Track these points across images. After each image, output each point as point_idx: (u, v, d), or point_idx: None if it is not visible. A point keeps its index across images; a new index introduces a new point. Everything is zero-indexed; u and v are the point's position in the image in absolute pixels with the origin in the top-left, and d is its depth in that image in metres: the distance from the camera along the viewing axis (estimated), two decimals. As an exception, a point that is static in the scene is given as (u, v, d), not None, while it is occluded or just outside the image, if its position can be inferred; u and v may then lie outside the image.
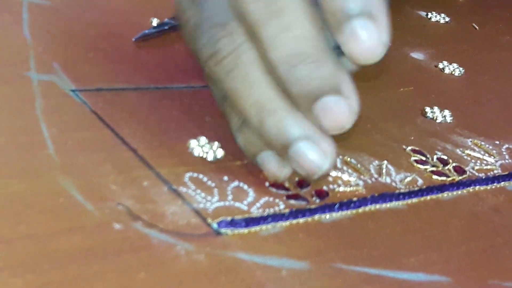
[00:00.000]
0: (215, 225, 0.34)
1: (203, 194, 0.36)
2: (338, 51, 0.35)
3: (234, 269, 0.32)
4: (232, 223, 0.34)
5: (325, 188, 0.39)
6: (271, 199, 0.37)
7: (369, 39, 0.34)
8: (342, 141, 0.44)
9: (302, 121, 0.35)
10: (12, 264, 0.28)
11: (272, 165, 0.37)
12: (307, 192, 0.38)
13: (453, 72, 0.58)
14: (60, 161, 0.35)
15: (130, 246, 0.31)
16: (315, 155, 0.35)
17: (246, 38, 0.36)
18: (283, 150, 0.36)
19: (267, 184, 0.38)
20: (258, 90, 0.36)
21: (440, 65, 0.59)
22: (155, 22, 0.52)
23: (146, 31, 0.50)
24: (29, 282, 0.28)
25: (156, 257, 0.31)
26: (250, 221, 0.35)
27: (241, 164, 0.39)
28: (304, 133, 0.35)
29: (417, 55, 0.60)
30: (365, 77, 0.53)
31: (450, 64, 0.59)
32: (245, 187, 0.37)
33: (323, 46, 0.35)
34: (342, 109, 0.34)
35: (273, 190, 0.38)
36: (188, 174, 0.37)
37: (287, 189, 0.38)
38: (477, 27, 0.70)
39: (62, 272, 0.29)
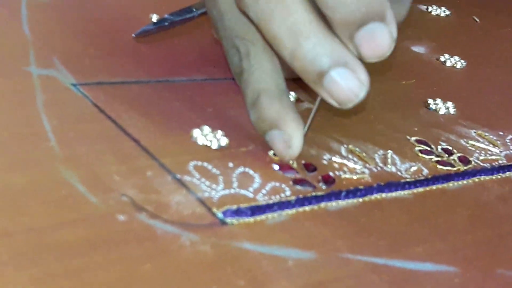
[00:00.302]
0: (220, 215, 0.33)
1: (208, 183, 0.35)
2: None
3: (240, 259, 0.31)
4: (238, 212, 0.34)
5: (331, 174, 0.38)
6: (277, 184, 0.37)
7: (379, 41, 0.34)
8: (346, 131, 0.43)
9: (340, 46, 0.35)
10: (15, 257, 0.28)
11: (280, 144, 0.37)
12: (313, 177, 0.38)
13: (455, 65, 0.58)
14: (62, 153, 0.35)
15: (134, 237, 0.31)
16: (353, 81, 0.35)
17: None
18: (317, 79, 0.35)
19: (274, 167, 0.38)
20: (294, 11, 0.35)
21: (442, 58, 0.58)
22: (154, 18, 0.51)
23: (146, 27, 0.50)
24: (33, 275, 0.27)
25: (161, 248, 0.31)
26: (256, 210, 0.34)
27: (246, 151, 0.39)
28: (342, 59, 0.35)
29: (418, 49, 0.60)
30: (368, 70, 0.53)
31: (452, 57, 0.59)
32: (251, 172, 0.37)
33: None
34: (385, 37, 0.34)
35: (280, 173, 0.37)
36: (192, 163, 0.36)
37: (294, 170, 0.38)
38: (477, 20, 0.69)
39: (66, 265, 0.28)
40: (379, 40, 0.34)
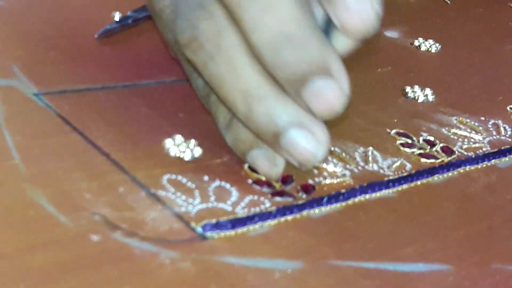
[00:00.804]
0: (199, 229, 0.32)
1: (183, 197, 0.34)
2: (328, 27, 0.33)
3: (224, 275, 0.30)
4: (218, 226, 0.32)
5: (310, 182, 0.37)
6: (255, 197, 0.35)
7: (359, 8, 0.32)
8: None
9: (293, 107, 0.33)
10: (-17, 287, 0.26)
11: (263, 163, 0.35)
12: (292, 188, 0.36)
13: (429, 49, 0.56)
14: (27, 171, 0.33)
15: (110, 258, 0.29)
16: (308, 143, 0.33)
17: (228, 21, 0.33)
18: (274, 140, 0.34)
19: (250, 181, 0.36)
20: (244, 75, 0.33)
21: (416, 42, 0.57)
22: (117, 16, 0.49)
23: (108, 27, 0.48)
24: (4, 304, 0.26)
25: (139, 268, 0.29)
26: (236, 222, 0.33)
27: (221, 162, 0.37)
28: (296, 120, 0.33)
29: (391, 33, 0.59)
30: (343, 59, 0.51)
31: (426, 40, 0.57)
32: (228, 186, 0.35)
33: (310, 25, 0.33)
34: (332, 92, 0.32)
35: (257, 188, 0.36)
36: (166, 176, 0.35)
37: (271, 185, 0.36)
38: (448, 1, 0.68)
39: (39, 292, 0.27)
40: (327, 96, 0.32)
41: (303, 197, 0.36)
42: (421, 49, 0.56)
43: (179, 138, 0.37)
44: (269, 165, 0.35)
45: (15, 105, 0.38)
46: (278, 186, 0.36)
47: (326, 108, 0.32)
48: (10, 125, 0.36)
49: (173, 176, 0.35)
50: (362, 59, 0.53)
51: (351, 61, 0.51)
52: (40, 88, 0.40)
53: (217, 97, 0.36)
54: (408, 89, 0.48)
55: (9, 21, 0.48)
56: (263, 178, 0.36)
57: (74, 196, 0.32)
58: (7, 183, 0.32)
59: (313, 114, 0.33)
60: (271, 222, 0.33)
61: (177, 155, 0.36)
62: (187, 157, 0.36)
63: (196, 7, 0.34)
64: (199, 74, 0.36)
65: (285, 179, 0.37)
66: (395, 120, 0.44)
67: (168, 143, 0.37)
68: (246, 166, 0.37)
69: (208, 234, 0.32)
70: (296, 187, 0.36)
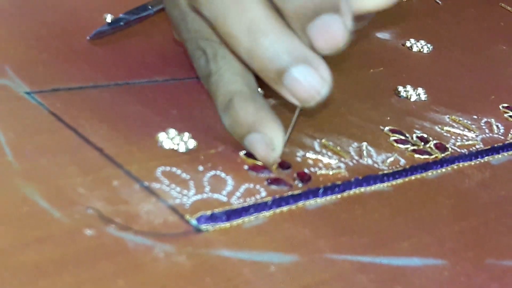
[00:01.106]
0: (194, 222, 0.31)
1: (178, 189, 0.33)
2: None
3: (219, 268, 0.29)
4: (212, 218, 0.32)
5: (306, 171, 0.37)
6: (251, 185, 0.35)
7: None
8: (318, 125, 0.42)
9: (299, 43, 0.33)
10: (-22, 282, 0.26)
11: (261, 147, 0.35)
12: (288, 175, 0.36)
13: (421, 50, 0.56)
14: (21, 167, 0.33)
15: (104, 252, 0.29)
16: (313, 78, 0.33)
17: None
18: (277, 77, 0.33)
19: (246, 167, 0.36)
20: (251, 8, 0.33)
21: (408, 43, 0.57)
22: (109, 18, 0.49)
23: (100, 29, 0.48)
24: (-2, 299, 0.25)
25: (133, 262, 0.29)
26: (231, 214, 0.32)
27: (215, 152, 0.37)
28: (302, 56, 0.33)
29: (383, 35, 0.58)
30: (333, 59, 0.51)
31: (418, 41, 0.57)
32: (223, 175, 0.35)
33: None
34: (338, 28, 0.32)
35: (253, 174, 0.36)
36: (160, 169, 0.35)
37: (267, 170, 0.36)
38: (439, 2, 0.68)
39: (33, 287, 0.26)
40: (333, 31, 0.32)
41: (299, 185, 0.35)
42: (413, 50, 0.56)
43: (172, 131, 0.37)
44: (267, 149, 0.35)
45: (7, 103, 0.38)
46: (275, 169, 0.36)
47: (331, 43, 0.33)
48: (2, 122, 0.36)
49: (167, 168, 0.35)
50: (354, 60, 0.53)
51: (342, 62, 0.52)
52: (32, 87, 0.40)
53: (220, 35, 0.35)
54: (400, 88, 0.48)
55: (1, 22, 0.48)
56: (260, 163, 0.36)
57: (68, 191, 0.32)
58: (1, 180, 0.32)
59: (316, 51, 0.33)
60: (267, 214, 0.33)
61: (171, 147, 0.36)
62: (181, 149, 0.36)
63: None
64: (203, 13, 0.36)
65: (283, 164, 0.36)
66: (388, 118, 0.44)
67: (162, 136, 0.37)
68: (242, 153, 0.37)
69: (203, 226, 0.31)
70: (293, 174, 0.36)
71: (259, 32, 0.33)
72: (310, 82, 0.33)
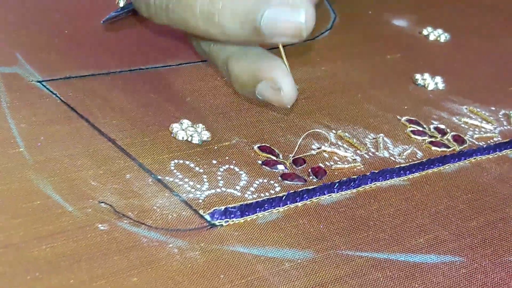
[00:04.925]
0: (208, 217, 0.31)
1: (191, 183, 0.33)
2: None
3: (233, 264, 0.29)
4: (226, 213, 0.31)
5: (321, 165, 0.36)
6: (265, 180, 0.34)
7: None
8: (334, 114, 0.41)
9: None
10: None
11: (271, 92, 0.34)
12: (302, 170, 0.36)
13: (438, 38, 0.56)
14: (33, 159, 0.32)
15: (117, 248, 0.28)
16: (287, 14, 0.32)
17: None
18: (258, 35, 0.33)
19: (259, 162, 0.35)
20: (194, 1, 0.33)
21: (425, 32, 0.56)
22: (122, 2, 0.48)
23: (113, 13, 0.47)
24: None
25: (147, 258, 0.28)
26: (245, 209, 0.32)
27: (229, 145, 0.36)
28: (264, 3, 0.32)
29: (400, 22, 0.58)
30: (351, 43, 0.51)
31: (435, 29, 0.56)
32: (236, 169, 0.35)
33: None
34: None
35: (267, 168, 0.35)
36: (173, 162, 0.34)
37: (282, 164, 0.35)
38: None
39: (46, 282, 0.26)
40: None
41: (313, 180, 0.35)
42: (430, 38, 0.56)
43: (186, 122, 0.37)
44: (276, 92, 0.34)
45: (19, 93, 0.37)
46: (288, 164, 0.35)
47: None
48: (15, 113, 0.35)
49: (181, 161, 0.34)
50: (371, 45, 0.52)
51: (359, 46, 0.51)
52: (44, 75, 0.39)
53: (194, 33, 0.35)
54: (418, 76, 0.48)
55: (12, 8, 0.47)
56: (273, 157, 0.36)
57: (80, 184, 0.31)
58: (13, 172, 0.31)
59: None
60: (281, 209, 0.33)
61: (185, 138, 0.36)
62: (195, 140, 0.36)
63: None
64: (176, 26, 0.36)
65: (296, 161, 0.36)
66: (406, 107, 0.44)
67: (175, 127, 0.36)
68: (256, 147, 0.36)
69: (217, 221, 0.31)
70: (307, 169, 0.36)
71: (214, 15, 0.33)
72: (286, 16, 0.32)
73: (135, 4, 0.36)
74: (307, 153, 0.37)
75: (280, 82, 0.34)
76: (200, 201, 0.32)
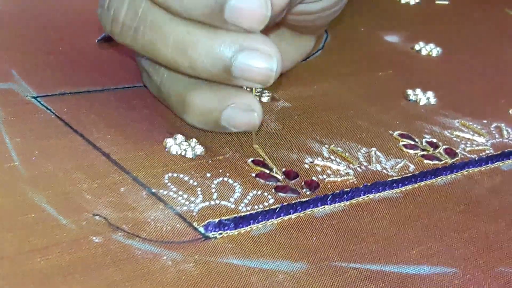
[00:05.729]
0: (202, 229, 0.31)
1: (185, 195, 0.33)
2: None
3: (227, 276, 0.29)
4: (220, 225, 0.31)
5: (314, 178, 0.36)
6: (259, 192, 0.35)
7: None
8: (326, 129, 0.42)
9: (228, 35, 0.33)
10: (-16, 290, 0.26)
11: (241, 116, 0.35)
12: (296, 183, 0.36)
13: (430, 53, 0.56)
14: (28, 173, 0.32)
15: (112, 260, 0.29)
16: (259, 60, 0.33)
17: None
18: (226, 75, 0.33)
19: (253, 175, 0.36)
20: (170, 30, 0.33)
21: (417, 47, 0.57)
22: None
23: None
24: (5, 308, 0.25)
25: (141, 270, 0.28)
26: (239, 221, 0.32)
27: (223, 159, 0.37)
28: (236, 46, 0.33)
29: (392, 38, 0.58)
30: (343, 62, 0.51)
31: (427, 44, 0.57)
32: (230, 181, 0.35)
33: None
34: (252, 2, 0.32)
35: (261, 181, 0.35)
36: (167, 175, 0.34)
37: (274, 178, 0.36)
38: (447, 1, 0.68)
39: (40, 296, 0.26)
40: (247, 5, 0.32)
41: (307, 193, 0.35)
42: (422, 53, 0.56)
43: (180, 137, 0.37)
44: (248, 114, 0.35)
45: (14, 108, 0.38)
46: (281, 178, 0.36)
47: (252, 18, 0.32)
48: (9, 127, 0.36)
49: (175, 175, 0.35)
50: (363, 62, 0.52)
51: (351, 64, 0.51)
52: (39, 91, 0.40)
53: (159, 60, 0.35)
54: (409, 92, 0.48)
55: (7, 25, 0.48)
56: (266, 171, 0.36)
57: (75, 198, 0.31)
58: (7, 186, 0.31)
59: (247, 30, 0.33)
60: (275, 221, 0.33)
61: (179, 153, 0.36)
62: (188, 155, 0.36)
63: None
64: (137, 54, 0.37)
65: (289, 174, 0.36)
66: (398, 122, 0.44)
67: (169, 142, 0.36)
68: (249, 160, 0.37)
69: (211, 234, 0.31)
70: (301, 183, 0.36)
71: (189, 46, 0.33)
72: (257, 65, 0.33)
73: (99, 15, 0.36)
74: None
75: (251, 103, 0.35)
76: (194, 213, 0.32)
